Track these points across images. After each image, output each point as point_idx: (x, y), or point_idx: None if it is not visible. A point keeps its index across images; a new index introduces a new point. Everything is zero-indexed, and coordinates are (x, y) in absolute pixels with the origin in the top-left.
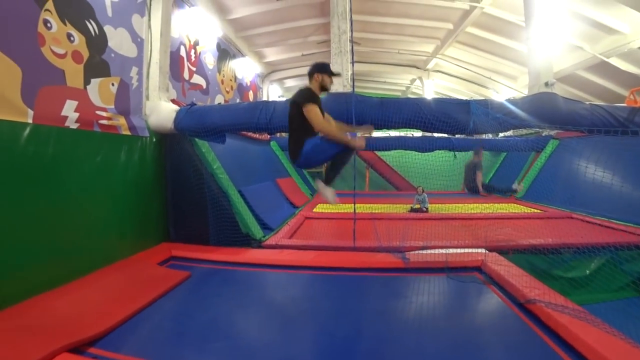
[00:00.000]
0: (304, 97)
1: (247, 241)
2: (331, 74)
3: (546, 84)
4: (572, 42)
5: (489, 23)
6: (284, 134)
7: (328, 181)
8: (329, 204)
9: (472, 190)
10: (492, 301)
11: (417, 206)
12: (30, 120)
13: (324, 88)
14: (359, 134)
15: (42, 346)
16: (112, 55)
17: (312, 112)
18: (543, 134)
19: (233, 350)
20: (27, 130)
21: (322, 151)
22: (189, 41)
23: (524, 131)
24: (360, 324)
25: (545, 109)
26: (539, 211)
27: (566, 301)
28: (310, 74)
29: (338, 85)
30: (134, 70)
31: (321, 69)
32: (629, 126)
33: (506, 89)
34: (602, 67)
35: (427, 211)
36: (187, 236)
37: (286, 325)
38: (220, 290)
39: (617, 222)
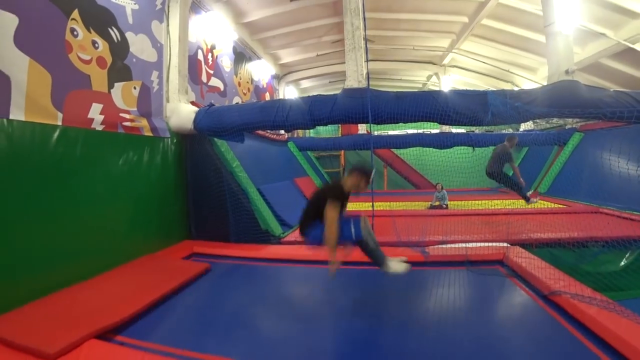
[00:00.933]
0: (334, 194)
1: (266, 238)
2: (368, 179)
3: (566, 72)
4: (594, 29)
5: (505, 14)
6: (300, 133)
7: (381, 263)
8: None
9: (495, 177)
10: (515, 293)
11: (437, 203)
12: (59, 123)
13: (357, 189)
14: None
15: (71, 333)
16: (134, 60)
17: (331, 212)
18: (566, 127)
19: (254, 339)
20: (57, 132)
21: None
22: (206, 45)
23: (546, 125)
24: (379, 316)
25: (566, 97)
26: (563, 206)
27: (593, 293)
28: (351, 172)
29: (353, 82)
30: (155, 74)
31: (361, 172)
32: None
33: (526, 81)
34: (628, 54)
35: (446, 208)
36: (208, 234)
37: (306, 317)
38: (240, 284)
39: None
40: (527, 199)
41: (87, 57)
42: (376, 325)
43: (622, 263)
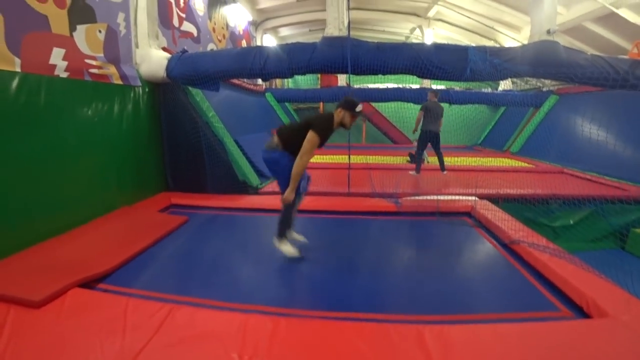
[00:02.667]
0: (318, 125)
1: (244, 188)
2: (354, 113)
3: (548, 32)
4: None
5: None
6: (278, 84)
7: (280, 234)
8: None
9: (435, 139)
10: (479, 242)
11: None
12: (18, 69)
13: (343, 125)
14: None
15: (54, 282)
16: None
17: (310, 144)
18: (543, 89)
19: (232, 283)
20: (17, 80)
21: (284, 171)
22: None
23: (524, 86)
24: (351, 260)
25: (545, 57)
26: (531, 165)
27: (547, 243)
28: (336, 107)
29: (333, 30)
30: (121, 16)
31: (345, 106)
32: (629, 79)
33: (509, 40)
34: (610, 19)
35: (426, 162)
36: (186, 185)
37: (281, 262)
38: (219, 233)
39: (608, 177)
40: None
41: None
42: (348, 269)
43: (575, 219)
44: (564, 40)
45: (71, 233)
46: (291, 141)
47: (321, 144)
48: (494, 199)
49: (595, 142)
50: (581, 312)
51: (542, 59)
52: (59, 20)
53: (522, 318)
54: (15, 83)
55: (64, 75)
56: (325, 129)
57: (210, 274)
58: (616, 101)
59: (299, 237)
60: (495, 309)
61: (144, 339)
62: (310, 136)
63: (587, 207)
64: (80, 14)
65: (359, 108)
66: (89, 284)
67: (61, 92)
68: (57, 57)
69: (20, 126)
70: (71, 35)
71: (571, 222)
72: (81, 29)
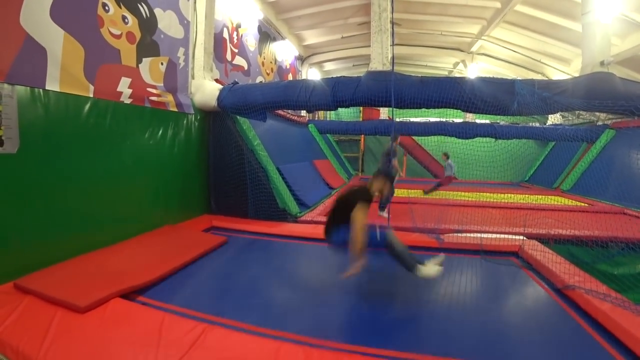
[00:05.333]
0: (365, 198)
1: (283, 216)
2: (392, 185)
3: (601, 63)
4: (636, 19)
5: (540, 0)
6: (321, 116)
7: (411, 268)
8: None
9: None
10: (528, 285)
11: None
12: (91, 95)
13: (379, 193)
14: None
15: (100, 290)
16: (162, 36)
17: (361, 215)
18: (597, 124)
19: (266, 308)
20: (89, 104)
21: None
22: (232, 23)
23: (575, 120)
24: (389, 295)
25: (598, 90)
26: (586, 205)
27: (608, 290)
28: (376, 176)
29: (377, 64)
30: (181, 50)
31: (387, 177)
32: None
33: (557, 73)
34: None
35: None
36: (227, 209)
37: (316, 291)
38: (256, 257)
39: None
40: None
41: (118, 32)
42: (385, 304)
43: None
44: (619, 72)
45: (118, 245)
46: (340, 217)
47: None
48: (544, 240)
49: None
50: None
51: (596, 91)
52: (128, 54)
53: None
54: (87, 107)
55: (128, 101)
56: (369, 200)
57: (246, 297)
58: None
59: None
60: None
61: (176, 356)
62: (358, 210)
63: None
64: (147, 48)
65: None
66: (129, 295)
67: (124, 116)
68: (124, 86)
69: (87, 145)
70: (137, 67)
71: (638, 269)
72: (146, 61)
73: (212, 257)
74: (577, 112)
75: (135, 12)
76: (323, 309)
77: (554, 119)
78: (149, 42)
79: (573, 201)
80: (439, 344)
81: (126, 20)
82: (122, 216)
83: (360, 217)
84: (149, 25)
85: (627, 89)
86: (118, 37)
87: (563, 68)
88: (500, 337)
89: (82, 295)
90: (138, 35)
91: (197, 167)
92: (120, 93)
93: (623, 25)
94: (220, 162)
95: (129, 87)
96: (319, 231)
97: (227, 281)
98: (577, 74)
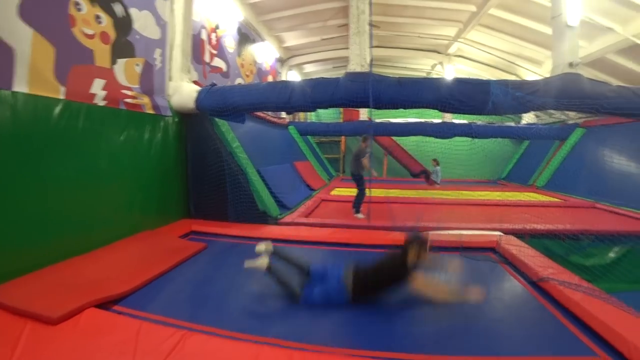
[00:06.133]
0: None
1: (263, 218)
2: (427, 248)
3: (570, 65)
4: (602, 23)
5: (514, 4)
6: (301, 118)
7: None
8: None
9: (356, 178)
10: (506, 279)
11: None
12: (62, 97)
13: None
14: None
15: (72, 301)
16: (137, 37)
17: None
18: (569, 122)
19: (248, 312)
20: (60, 106)
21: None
22: (210, 25)
23: (548, 119)
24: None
25: (568, 90)
26: (559, 200)
27: (580, 281)
28: (410, 242)
29: (356, 66)
30: (158, 51)
31: (420, 244)
32: None
33: (530, 74)
34: (634, 50)
35: (438, 184)
36: (207, 213)
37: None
38: (236, 261)
39: None
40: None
41: (91, 32)
42: (365, 305)
43: (611, 257)
44: (587, 73)
45: (94, 253)
46: (365, 290)
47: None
48: (520, 235)
49: (628, 175)
50: (622, 359)
51: (566, 91)
52: (102, 54)
53: None
54: (58, 109)
55: (102, 103)
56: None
57: (225, 303)
58: None
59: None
60: (525, 352)
61: None
62: (419, 280)
63: (623, 244)
64: (122, 49)
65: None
66: (104, 304)
67: (98, 118)
68: (98, 87)
69: (58, 148)
70: (111, 68)
71: (607, 260)
72: (121, 62)
73: (192, 262)
74: (549, 111)
75: (110, 12)
76: (303, 311)
77: (528, 118)
78: (124, 42)
79: (547, 197)
80: (420, 342)
81: (100, 20)
82: (97, 222)
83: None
84: (124, 25)
85: (593, 89)
86: (91, 37)
87: (535, 69)
88: (480, 330)
89: (55, 306)
90: (113, 35)
91: (175, 170)
92: (94, 95)
93: (590, 29)
94: (199, 165)
95: (103, 89)
96: (299, 233)
97: (206, 287)
98: (548, 75)
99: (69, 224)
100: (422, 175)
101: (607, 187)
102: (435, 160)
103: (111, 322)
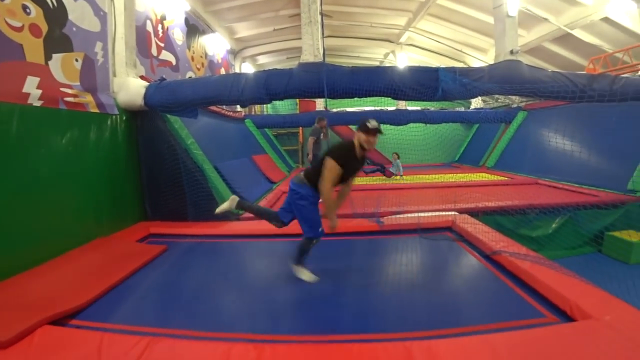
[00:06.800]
0: (333, 151)
1: (225, 215)
2: (367, 131)
3: (511, 52)
4: (539, 14)
5: None
6: (257, 110)
7: (298, 261)
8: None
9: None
10: (462, 255)
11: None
12: None
13: (363, 147)
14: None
15: (23, 320)
16: (74, 29)
17: (327, 170)
18: (512, 106)
19: (216, 311)
20: None
21: (306, 206)
22: (155, 15)
23: (494, 103)
24: (337, 282)
25: (510, 75)
26: (506, 178)
27: (528, 251)
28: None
29: (309, 56)
30: (99, 45)
31: (358, 127)
32: (588, 92)
33: (477, 61)
34: (567, 39)
35: (401, 176)
36: (165, 214)
37: (266, 288)
38: (200, 262)
39: (579, 185)
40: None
41: (18, 24)
42: (332, 291)
43: (553, 227)
44: (526, 60)
45: (42, 267)
46: (314, 175)
47: (345, 171)
48: (474, 213)
49: (565, 152)
50: (566, 317)
51: (507, 77)
52: (34, 49)
53: (510, 327)
54: None
55: (38, 103)
56: (341, 155)
57: (191, 304)
58: (579, 113)
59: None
60: (482, 320)
61: None
62: (326, 162)
63: (563, 215)
64: (57, 43)
65: (372, 124)
66: (60, 320)
67: (34, 121)
68: (31, 86)
69: None
70: (46, 64)
71: (550, 230)
72: (57, 57)
73: (153, 266)
74: (495, 96)
75: (39, 2)
76: (271, 304)
77: (476, 103)
78: (58, 35)
79: (496, 176)
80: (387, 322)
81: (28, 11)
82: (43, 233)
83: (327, 175)
84: (57, 16)
85: (532, 74)
86: (19, 29)
87: (481, 57)
88: (441, 305)
89: (2, 329)
90: (44, 27)
91: (127, 171)
92: (28, 94)
93: (528, 19)
94: (153, 164)
95: (37, 88)
96: (263, 227)
97: (170, 290)
98: (493, 62)
99: (8, 238)
100: (377, 172)
101: (547, 164)
102: (396, 153)
103: (69, 338)
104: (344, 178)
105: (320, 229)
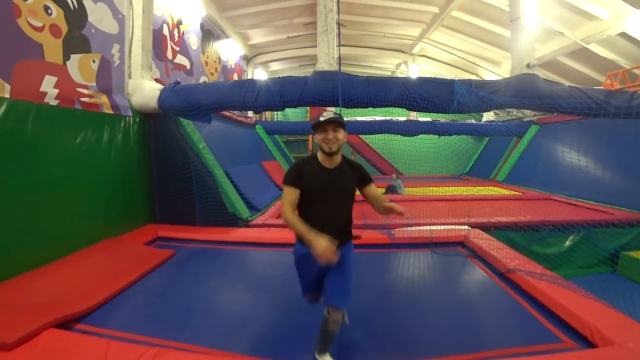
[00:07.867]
0: (286, 173)
1: (233, 221)
2: (316, 126)
3: (528, 66)
4: (554, 28)
5: (474, 7)
6: (268, 117)
7: (320, 350)
8: None
9: None
10: (475, 272)
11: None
12: (7, 95)
13: (321, 149)
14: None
15: (29, 321)
16: (93, 30)
17: (283, 194)
18: (524, 120)
19: (225, 326)
20: (5, 106)
21: (300, 262)
22: (172, 20)
23: (506, 117)
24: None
25: (526, 89)
26: (518, 193)
27: (544, 270)
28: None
29: (324, 64)
30: (116, 47)
31: (311, 127)
32: (605, 108)
33: (489, 74)
34: (582, 53)
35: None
36: (173, 217)
37: (273, 298)
38: (206, 268)
39: (593, 202)
40: None
41: (39, 24)
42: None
43: (568, 245)
44: (540, 73)
45: (49, 266)
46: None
47: (308, 188)
48: (486, 228)
49: (578, 168)
50: (585, 342)
51: (525, 91)
52: (53, 49)
53: (526, 352)
54: (2, 109)
55: (54, 103)
56: (289, 175)
57: (199, 315)
58: (595, 129)
59: None
60: (497, 345)
61: None
62: (283, 191)
63: (577, 232)
64: (75, 43)
65: (323, 116)
66: (66, 324)
67: (50, 120)
68: (49, 85)
69: (3, 153)
70: (64, 64)
71: (564, 248)
72: (75, 58)
73: (160, 272)
74: (507, 109)
75: (60, 3)
76: (279, 316)
77: (488, 115)
78: (77, 36)
79: (507, 190)
80: (398, 344)
81: (49, 11)
82: (52, 233)
83: (283, 201)
84: (77, 17)
85: (549, 88)
86: (40, 29)
87: (494, 69)
88: (455, 328)
89: (8, 330)
90: (64, 28)
91: (138, 173)
92: (45, 93)
93: (543, 33)
94: (164, 167)
95: (54, 87)
96: (271, 235)
97: (177, 299)
98: (506, 74)
99: (18, 237)
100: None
101: (560, 179)
102: (395, 173)
103: (75, 343)
104: (320, 196)
105: (304, 290)
